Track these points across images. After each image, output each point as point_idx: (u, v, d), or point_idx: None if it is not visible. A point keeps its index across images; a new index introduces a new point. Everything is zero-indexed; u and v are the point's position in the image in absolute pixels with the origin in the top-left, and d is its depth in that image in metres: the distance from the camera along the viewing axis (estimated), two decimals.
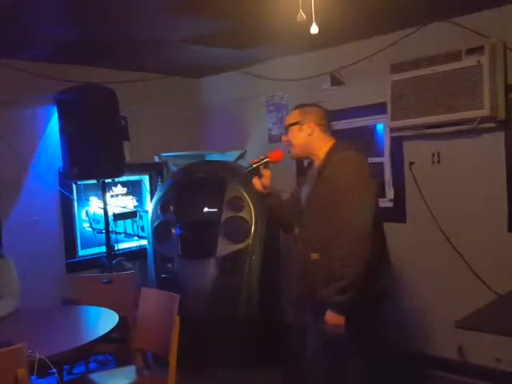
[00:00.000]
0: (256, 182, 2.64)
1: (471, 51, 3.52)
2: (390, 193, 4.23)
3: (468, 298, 3.64)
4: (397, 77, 3.84)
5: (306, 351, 2.63)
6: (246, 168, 2.68)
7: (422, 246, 4.03)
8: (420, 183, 4.00)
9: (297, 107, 2.69)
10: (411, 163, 4.04)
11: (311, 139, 2.58)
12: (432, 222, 3.94)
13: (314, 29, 2.31)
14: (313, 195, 2.55)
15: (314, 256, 2.49)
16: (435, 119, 3.69)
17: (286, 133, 2.65)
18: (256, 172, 2.62)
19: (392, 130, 3.99)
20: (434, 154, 3.91)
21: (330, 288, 2.38)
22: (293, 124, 2.62)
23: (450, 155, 3.85)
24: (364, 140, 4.60)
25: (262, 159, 2.61)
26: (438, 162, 3.89)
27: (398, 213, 4.16)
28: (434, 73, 3.66)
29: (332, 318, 2.40)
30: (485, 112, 3.45)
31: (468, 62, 3.52)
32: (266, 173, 2.61)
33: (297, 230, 2.68)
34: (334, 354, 2.50)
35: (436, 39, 3.77)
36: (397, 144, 4.12)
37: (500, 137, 3.62)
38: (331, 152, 2.54)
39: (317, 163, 2.61)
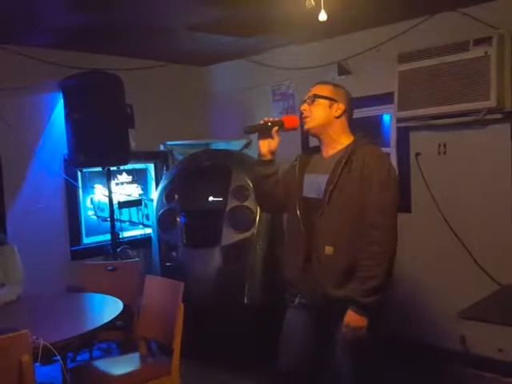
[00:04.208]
0: (264, 143, 2.37)
1: (479, 42, 3.49)
2: None
3: (471, 288, 3.64)
4: (404, 67, 3.82)
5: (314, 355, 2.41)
6: (256, 124, 2.39)
7: (427, 236, 4.03)
8: (426, 174, 3.99)
9: (330, 83, 2.46)
10: (417, 154, 4.02)
11: (336, 122, 2.37)
12: (437, 212, 3.93)
13: (323, 16, 2.29)
14: (339, 184, 2.28)
15: (328, 250, 2.27)
16: (442, 110, 3.67)
17: (310, 102, 2.38)
18: (267, 132, 2.35)
19: (399, 120, 3.96)
20: (440, 145, 3.89)
21: (354, 288, 2.21)
22: (324, 97, 2.37)
23: (456, 146, 3.84)
24: (371, 130, 4.57)
25: (278, 121, 2.37)
26: (444, 152, 3.87)
27: (403, 203, 4.12)
28: (441, 63, 3.63)
29: (355, 319, 2.21)
30: (491, 103, 3.42)
31: (476, 52, 3.49)
32: (277, 137, 2.36)
33: (295, 219, 2.40)
34: (362, 357, 2.32)
35: (444, 29, 3.75)
36: (403, 134, 4.10)
37: (506, 128, 3.60)
38: (356, 143, 2.36)
39: (330, 151, 2.39)
